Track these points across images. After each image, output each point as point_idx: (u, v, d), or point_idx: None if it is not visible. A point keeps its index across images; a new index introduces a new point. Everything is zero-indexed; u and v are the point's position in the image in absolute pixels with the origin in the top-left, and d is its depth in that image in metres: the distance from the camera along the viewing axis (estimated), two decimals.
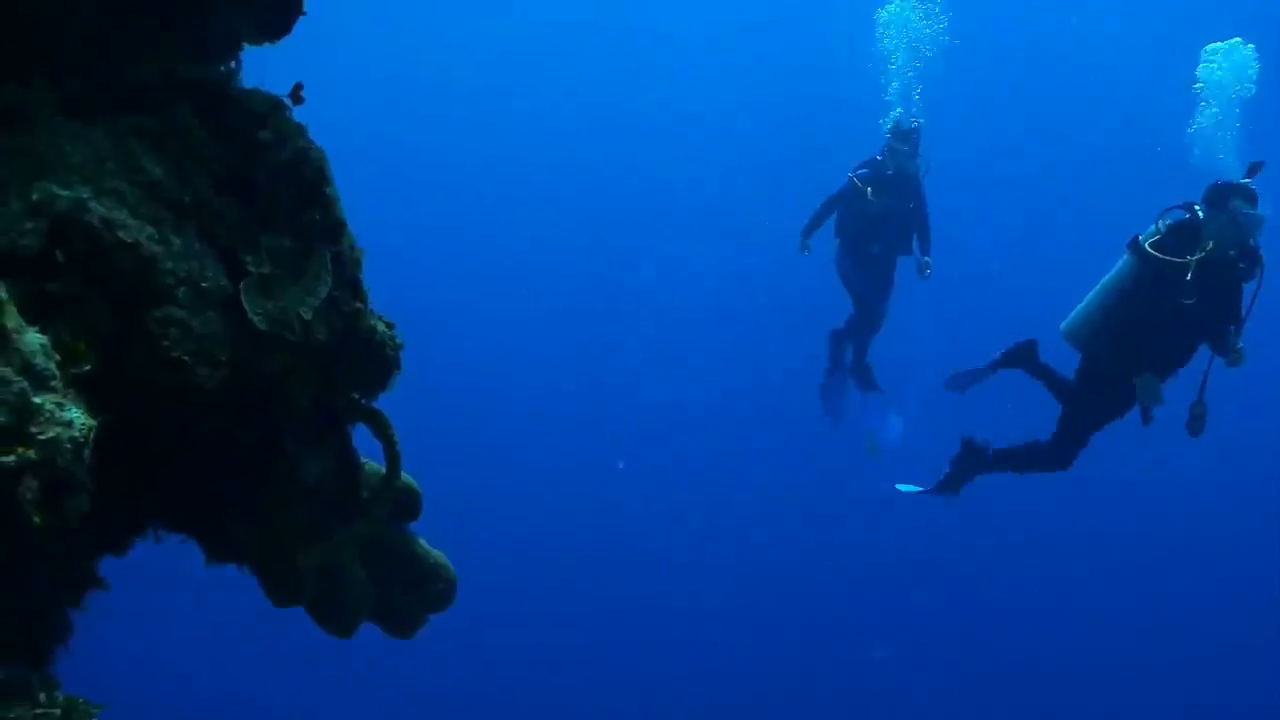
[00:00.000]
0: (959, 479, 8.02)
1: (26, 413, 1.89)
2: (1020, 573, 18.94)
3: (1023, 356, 7.63)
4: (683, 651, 17.97)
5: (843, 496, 17.58)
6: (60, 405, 1.95)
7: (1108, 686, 18.25)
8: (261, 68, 3.16)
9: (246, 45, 2.96)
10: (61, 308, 2.11)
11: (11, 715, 2.56)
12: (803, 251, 9.97)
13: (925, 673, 18.05)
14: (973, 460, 7.84)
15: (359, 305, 2.60)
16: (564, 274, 21.88)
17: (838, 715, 17.40)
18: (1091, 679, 18.38)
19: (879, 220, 9.68)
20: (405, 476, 2.84)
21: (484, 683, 16.96)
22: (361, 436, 2.82)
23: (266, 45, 3.21)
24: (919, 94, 12.61)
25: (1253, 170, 6.67)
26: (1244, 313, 6.75)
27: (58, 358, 2.00)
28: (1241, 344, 6.69)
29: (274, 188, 2.48)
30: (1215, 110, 10.49)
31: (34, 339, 1.99)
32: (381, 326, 2.66)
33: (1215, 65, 10.80)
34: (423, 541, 3.07)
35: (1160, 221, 6.82)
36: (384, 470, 2.76)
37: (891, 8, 13.30)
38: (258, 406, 2.39)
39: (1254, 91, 10.10)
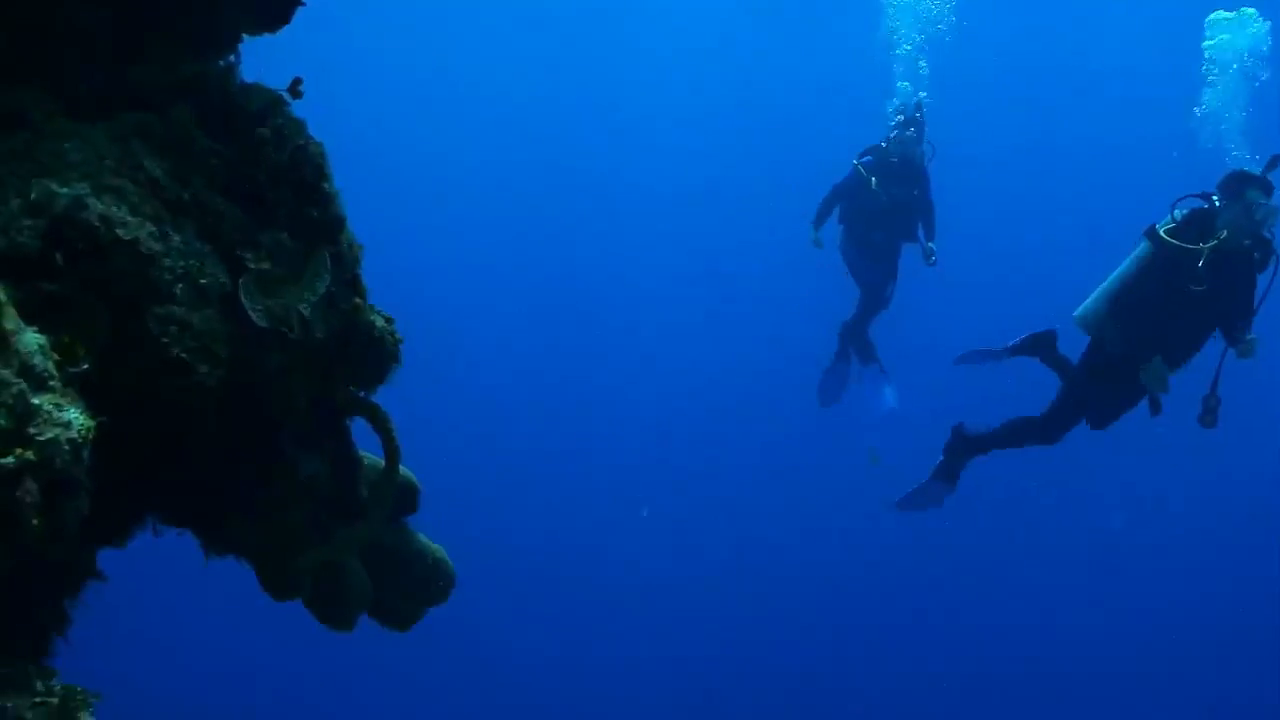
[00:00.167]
0: (954, 466, 8.03)
1: (25, 414, 1.90)
2: (1020, 573, 18.96)
3: (1041, 346, 7.64)
4: (681, 651, 17.99)
5: (841, 495, 17.59)
6: (59, 406, 1.96)
7: (1108, 686, 18.28)
8: (259, 58, 3.15)
9: (245, 36, 2.96)
10: (60, 306, 2.12)
11: (9, 704, 2.58)
12: (815, 245, 9.86)
13: (926, 672, 18.09)
14: (964, 445, 7.87)
15: (358, 301, 2.61)
16: (557, 268, 21.83)
17: (838, 715, 17.44)
18: (1091, 679, 18.42)
19: (884, 208, 9.65)
20: (404, 470, 2.86)
21: (483, 678, 17.01)
22: (359, 430, 2.84)
23: (265, 35, 3.21)
24: (924, 65, 12.53)
25: (1273, 164, 6.70)
26: (1256, 304, 6.79)
27: (56, 357, 2.01)
28: (1253, 335, 6.73)
29: (274, 185, 2.48)
30: (1219, 91, 10.33)
31: (32, 339, 1.99)
32: (381, 321, 2.67)
33: (1220, 39, 10.56)
34: (421, 536, 3.09)
35: (1176, 210, 6.88)
36: (382, 464, 2.77)
37: None
38: (257, 403, 2.40)
39: (1266, 76, 9.95)
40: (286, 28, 3.10)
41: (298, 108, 2.64)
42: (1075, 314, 7.34)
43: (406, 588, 3.01)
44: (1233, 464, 17.11)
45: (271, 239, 2.46)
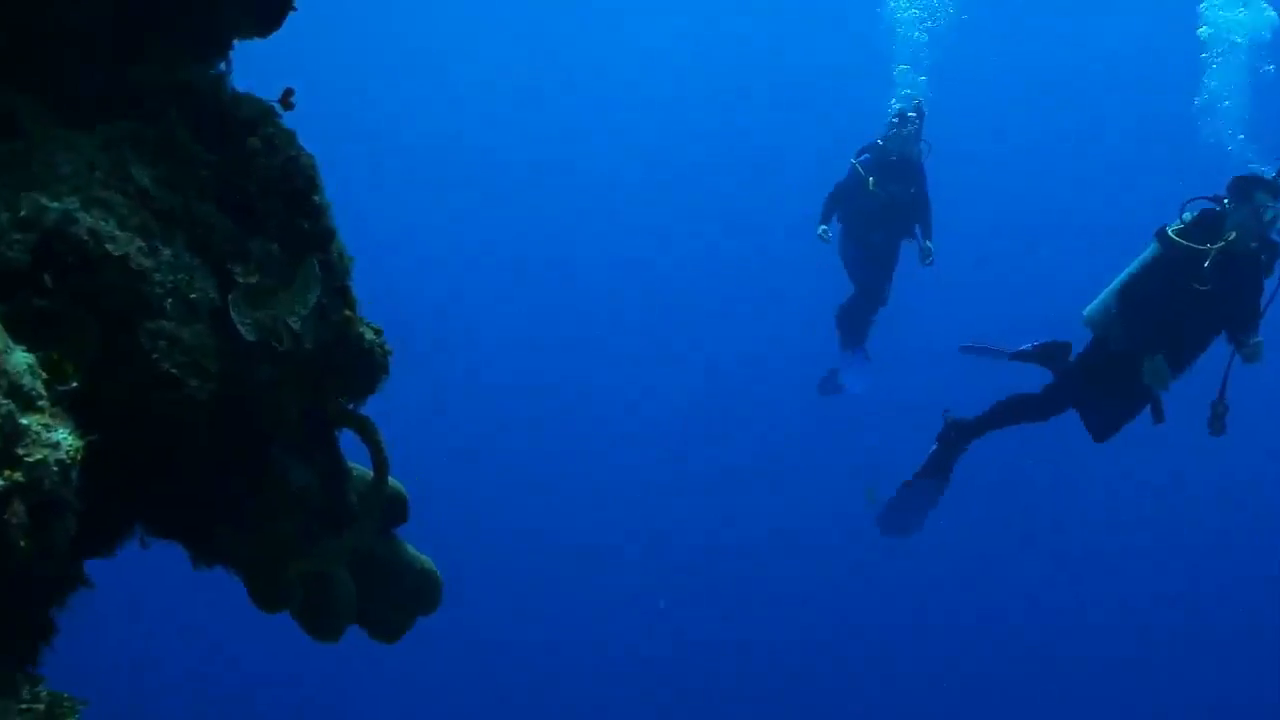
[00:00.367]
0: (948, 457, 8.02)
1: (14, 435, 1.90)
2: (1019, 572, 18.99)
3: (1052, 357, 7.63)
4: (681, 650, 18.01)
5: (841, 494, 17.57)
6: (47, 426, 1.96)
7: (1107, 687, 18.35)
8: (248, 63, 3.13)
9: (236, 40, 2.94)
10: (49, 323, 2.11)
11: None
12: (822, 239, 9.79)
13: (925, 673, 18.14)
14: (958, 432, 7.87)
15: (348, 313, 2.61)
16: (554, 266, 21.77)
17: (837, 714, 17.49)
18: (1091, 679, 18.48)
19: (882, 207, 9.65)
20: (393, 481, 2.87)
21: (482, 679, 17.01)
22: (348, 442, 2.84)
23: (255, 39, 3.19)
24: (912, 72, 12.47)
25: None
26: (1263, 307, 6.83)
27: (44, 376, 2.01)
28: (1259, 339, 6.77)
29: (264, 195, 2.48)
30: (1217, 75, 10.21)
31: (21, 359, 1.99)
32: (370, 334, 2.68)
33: (1219, 18, 10.40)
34: (409, 546, 3.10)
35: (1185, 212, 6.93)
36: (371, 475, 2.78)
37: None
38: (247, 415, 2.40)
39: (1270, 68, 9.84)
40: (276, 32, 3.10)
41: (288, 118, 2.64)
42: (1084, 313, 7.38)
43: (397, 598, 3.03)
44: (1234, 464, 17.16)
45: (262, 250, 2.46)
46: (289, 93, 2.63)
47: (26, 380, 1.94)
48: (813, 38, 20.84)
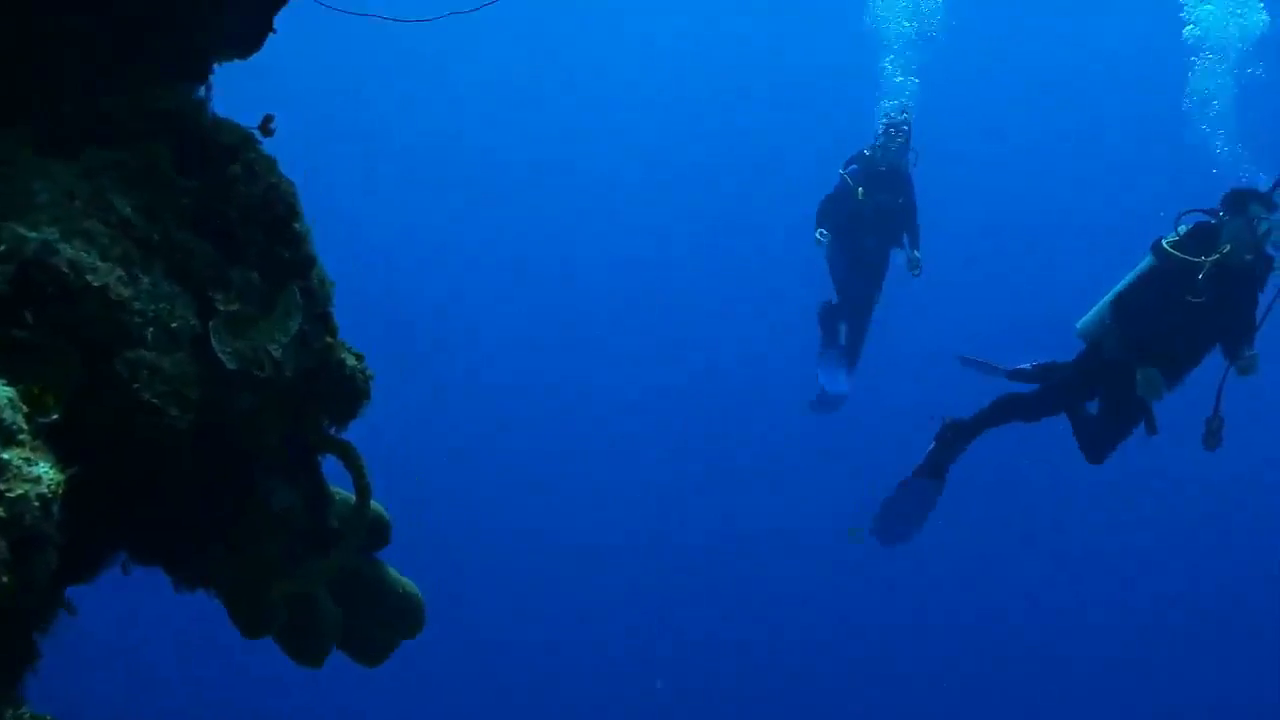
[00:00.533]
0: (945, 458, 8.02)
1: None
2: (1018, 572, 18.99)
3: (1049, 379, 7.62)
4: (680, 651, 17.99)
5: (839, 492, 17.56)
6: (28, 461, 1.97)
7: (1107, 687, 18.34)
8: (250, 63, 3.14)
9: (215, 66, 2.96)
10: (29, 354, 2.13)
11: None
12: (818, 242, 9.70)
13: (925, 673, 18.12)
14: (954, 433, 7.88)
15: (330, 340, 2.62)
16: (552, 264, 21.77)
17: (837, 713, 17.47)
18: (1091, 679, 18.47)
19: (871, 217, 9.63)
20: (375, 505, 2.88)
21: (483, 679, 16.99)
22: (330, 465, 2.86)
23: (236, 61, 3.21)
24: (897, 70, 12.45)
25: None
26: (1259, 320, 6.85)
27: (25, 409, 2.02)
28: (1254, 351, 6.79)
29: (244, 222, 2.50)
30: (1203, 73, 10.17)
31: (1, 393, 2.00)
32: (351, 359, 2.69)
33: (1201, 21, 10.34)
34: (392, 570, 3.12)
35: (1180, 225, 6.96)
36: (353, 500, 2.80)
37: None
38: (228, 443, 2.42)
39: (1261, 72, 9.82)
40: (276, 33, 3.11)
41: (268, 143, 2.65)
42: (1077, 326, 7.40)
43: (382, 618, 3.04)
44: (1234, 464, 17.16)
45: (242, 277, 2.47)
46: (269, 119, 2.65)
47: (7, 414, 1.95)
48: (813, 38, 20.82)
